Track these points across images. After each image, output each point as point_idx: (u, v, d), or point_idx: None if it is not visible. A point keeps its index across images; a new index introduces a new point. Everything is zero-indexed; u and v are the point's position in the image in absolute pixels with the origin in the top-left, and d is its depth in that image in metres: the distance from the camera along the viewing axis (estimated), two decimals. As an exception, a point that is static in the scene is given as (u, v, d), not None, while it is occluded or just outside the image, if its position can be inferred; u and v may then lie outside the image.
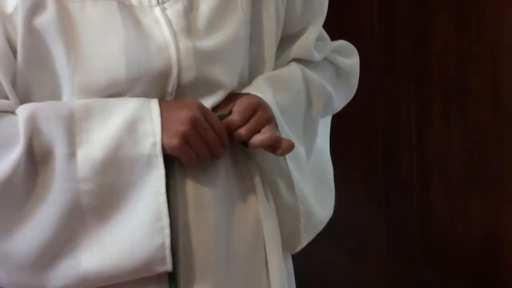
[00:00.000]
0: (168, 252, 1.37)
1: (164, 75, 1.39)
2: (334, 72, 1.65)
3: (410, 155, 2.96)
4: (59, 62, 1.37)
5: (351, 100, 1.89)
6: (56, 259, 1.40)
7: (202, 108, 1.41)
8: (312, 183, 1.60)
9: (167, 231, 1.37)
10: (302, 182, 1.56)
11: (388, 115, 3.00)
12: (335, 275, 3.16)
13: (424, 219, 2.96)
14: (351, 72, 1.65)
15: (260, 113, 1.43)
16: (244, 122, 1.41)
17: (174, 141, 1.37)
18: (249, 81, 1.53)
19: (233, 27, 1.49)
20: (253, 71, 1.52)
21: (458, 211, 2.86)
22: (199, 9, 1.44)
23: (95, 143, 1.36)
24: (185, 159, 1.39)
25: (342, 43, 1.65)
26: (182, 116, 1.40)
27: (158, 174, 1.37)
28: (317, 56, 1.58)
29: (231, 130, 1.43)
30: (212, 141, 1.41)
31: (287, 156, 1.50)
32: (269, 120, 1.42)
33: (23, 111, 1.36)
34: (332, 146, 1.74)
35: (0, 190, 1.36)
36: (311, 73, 1.58)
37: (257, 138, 1.40)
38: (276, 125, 1.48)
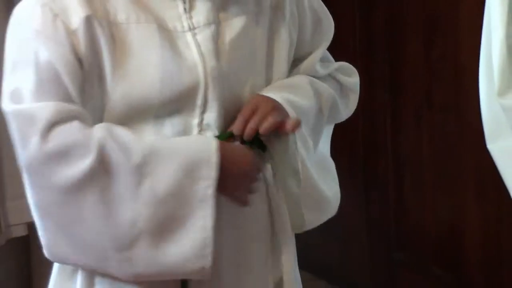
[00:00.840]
0: (208, 272, 1.41)
1: (192, 90, 1.42)
2: (338, 87, 1.64)
3: (386, 156, 3.07)
4: (106, 74, 1.42)
5: None
6: (110, 257, 1.43)
7: (255, 164, 1.46)
8: (319, 169, 1.61)
9: (209, 258, 1.39)
10: (309, 163, 1.57)
11: (368, 121, 3.11)
12: (325, 258, 3.27)
13: (398, 211, 3.07)
14: (352, 89, 1.65)
15: (262, 104, 1.46)
16: (247, 118, 1.45)
17: (228, 190, 1.43)
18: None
19: (253, 51, 1.51)
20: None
21: (427, 203, 2.98)
22: (225, 35, 1.46)
23: (160, 176, 1.38)
24: (236, 203, 1.46)
25: (343, 63, 1.67)
26: (240, 172, 1.45)
27: (208, 212, 1.39)
28: (321, 72, 1.61)
29: (240, 132, 1.46)
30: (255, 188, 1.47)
31: (298, 140, 1.52)
32: (273, 107, 1.45)
33: (100, 129, 1.40)
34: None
35: (68, 191, 1.39)
36: (317, 80, 1.60)
37: (263, 126, 1.43)
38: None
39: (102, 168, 1.38)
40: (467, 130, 2.67)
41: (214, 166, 1.38)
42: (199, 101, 1.44)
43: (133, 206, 1.38)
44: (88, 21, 1.39)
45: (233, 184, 1.44)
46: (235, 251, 1.51)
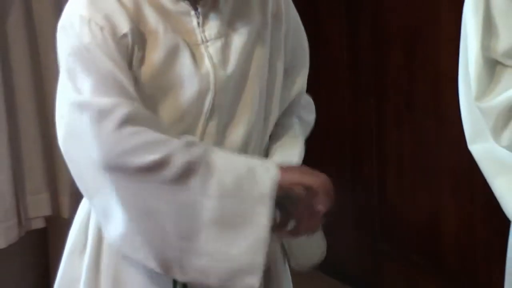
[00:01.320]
0: (261, 269, 1.40)
1: (202, 95, 1.44)
2: (305, 128, 1.67)
3: (371, 155, 3.14)
4: (139, 75, 1.46)
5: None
6: (171, 248, 1.41)
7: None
8: None
9: (264, 255, 1.38)
10: None
11: (354, 124, 3.16)
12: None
13: (382, 205, 3.15)
14: (311, 127, 1.68)
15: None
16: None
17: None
18: (266, 102, 1.56)
19: (258, 61, 1.53)
20: (269, 95, 1.56)
21: (408, 198, 3.05)
22: (231, 47, 1.49)
23: (228, 174, 1.38)
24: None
25: (309, 101, 1.70)
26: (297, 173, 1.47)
27: (267, 210, 1.38)
28: (302, 101, 1.65)
29: None
30: None
31: None
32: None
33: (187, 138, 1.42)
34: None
35: (143, 179, 1.39)
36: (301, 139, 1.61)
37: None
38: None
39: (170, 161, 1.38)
40: (444, 132, 2.72)
41: (274, 171, 1.42)
42: (205, 107, 1.46)
43: (199, 199, 1.38)
44: (129, 31, 1.43)
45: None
46: None
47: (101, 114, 1.39)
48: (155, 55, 1.44)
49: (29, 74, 2.87)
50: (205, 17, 1.46)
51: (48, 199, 2.78)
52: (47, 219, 2.91)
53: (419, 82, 2.87)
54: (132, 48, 1.42)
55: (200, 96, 1.43)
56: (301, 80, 1.59)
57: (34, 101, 2.92)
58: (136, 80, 1.42)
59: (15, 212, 2.81)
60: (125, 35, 1.41)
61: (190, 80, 1.45)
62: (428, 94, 2.81)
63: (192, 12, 1.46)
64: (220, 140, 1.49)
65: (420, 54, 2.82)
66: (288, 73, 1.56)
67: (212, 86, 1.44)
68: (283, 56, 1.53)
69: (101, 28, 1.42)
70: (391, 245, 3.21)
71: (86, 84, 1.40)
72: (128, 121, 1.37)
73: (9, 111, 2.78)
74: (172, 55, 1.43)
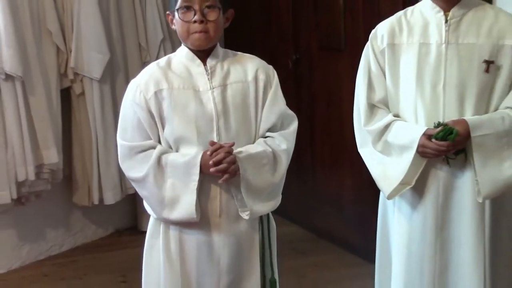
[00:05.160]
0: (195, 220, 1.45)
1: (209, 124, 1.47)
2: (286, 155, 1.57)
3: (307, 154, 3.12)
4: (164, 120, 1.47)
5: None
6: (164, 204, 1.47)
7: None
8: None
9: (195, 205, 1.44)
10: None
11: (306, 138, 3.05)
12: (324, 222, 3.12)
13: (314, 185, 3.11)
14: (280, 147, 1.55)
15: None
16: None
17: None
18: (254, 131, 1.52)
19: (243, 105, 1.49)
20: (255, 121, 1.52)
21: (327, 183, 3.02)
22: (227, 92, 1.48)
23: (176, 162, 1.46)
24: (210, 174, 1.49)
25: (286, 133, 1.57)
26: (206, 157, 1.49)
27: (194, 178, 1.45)
28: (277, 133, 1.57)
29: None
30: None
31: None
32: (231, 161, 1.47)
33: (158, 149, 1.49)
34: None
35: (143, 180, 1.49)
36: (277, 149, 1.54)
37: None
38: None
39: (157, 168, 1.46)
40: (346, 141, 2.73)
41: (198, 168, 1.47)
42: (214, 129, 1.45)
43: (170, 173, 1.44)
44: (155, 94, 1.45)
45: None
46: (232, 252, 1.52)
47: (123, 149, 1.49)
48: (176, 103, 1.45)
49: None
50: (212, 73, 1.46)
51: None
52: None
53: (333, 116, 2.98)
54: (159, 104, 1.45)
55: (208, 122, 1.45)
56: (273, 118, 1.54)
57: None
58: (161, 119, 1.46)
59: (119, 182, 3.10)
60: (152, 96, 1.45)
61: (200, 112, 1.44)
62: (337, 122, 2.93)
63: (205, 72, 1.45)
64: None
65: (334, 103, 2.93)
66: (263, 113, 1.55)
67: (215, 117, 1.45)
68: (262, 102, 1.53)
69: (140, 92, 1.45)
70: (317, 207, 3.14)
71: (119, 130, 1.50)
72: (137, 153, 1.45)
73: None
74: (185, 102, 1.45)
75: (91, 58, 2.75)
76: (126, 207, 3.26)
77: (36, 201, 2.84)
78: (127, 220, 3.33)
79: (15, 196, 2.64)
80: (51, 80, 2.76)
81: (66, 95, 2.90)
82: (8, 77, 2.54)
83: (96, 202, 2.96)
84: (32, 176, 2.64)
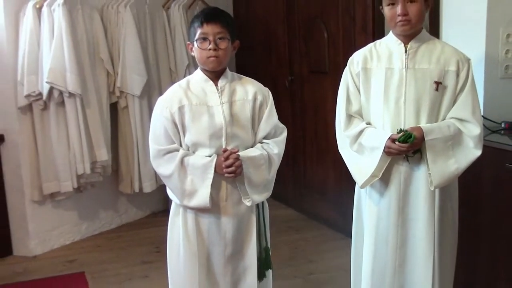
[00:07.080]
0: (208, 206, 1.44)
1: (219, 131, 1.46)
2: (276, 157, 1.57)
3: (303, 149, 3.05)
4: (185, 129, 1.46)
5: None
6: (185, 195, 1.46)
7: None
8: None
9: (209, 196, 1.42)
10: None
11: (298, 137, 3.04)
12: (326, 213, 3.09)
13: (303, 173, 3.08)
14: (273, 151, 1.55)
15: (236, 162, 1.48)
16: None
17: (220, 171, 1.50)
18: (253, 135, 1.51)
19: (245, 117, 1.50)
20: (253, 129, 1.52)
21: (315, 172, 2.95)
22: (233, 107, 1.47)
23: (196, 164, 1.44)
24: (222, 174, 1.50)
25: (278, 140, 1.56)
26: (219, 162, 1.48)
27: (209, 180, 1.44)
28: (271, 141, 1.55)
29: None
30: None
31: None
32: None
33: (181, 152, 1.47)
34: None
35: (170, 176, 1.47)
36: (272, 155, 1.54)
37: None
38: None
39: (180, 168, 1.45)
40: (329, 143, 2.76)
41: (213, 164, 1.47)
42: (223, 137, 1.45)
43: (187, 173, 1.44)
44: (179, 109, 1.45)
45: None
46: (235, 227, 1.52)
47: (153, 151, 1.50)
48: (194, 116, 1.45)
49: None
50: (222, 91, 1.46)
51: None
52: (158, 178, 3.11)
53: (320, 123, 2.92)
54: (181, 117, 1.45)
55: (217, 132, 1.45)
56: (268, 128, 1.54)
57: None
58: (183, 127, 1.46)
59: (155, 175, 3.05)
60: (176, 110, 1.45)
61: (212, 123, 1.44)
62: (323, 128, 2.90)
63: (217, 91, 1.45)
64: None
65: (320, 113, 2.92)
66: (260, 124, 1.55)
67: (224, 128, 1.45)
68: (257, 118, 1.53)
69: (166, 107, 1.46)
70: (305, 194, 3.08)
71: (150, 136, 1.50)
72: (164, 154, 1.45)
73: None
74: (200, 116, 1.46)
75: (133, 79, 2.81)
76: (159, 194, 3.24)
77: (91, 189, 2.93)
78: (160, 204, 3.32)
79: (75, 185, 2.73)
80: (103, 96, 2.83)
81: (114, 108, 2.98)
82: (71, 95, 2.62)
83: (136, 190, 3.01)
84: (88, 170, 2.71)
